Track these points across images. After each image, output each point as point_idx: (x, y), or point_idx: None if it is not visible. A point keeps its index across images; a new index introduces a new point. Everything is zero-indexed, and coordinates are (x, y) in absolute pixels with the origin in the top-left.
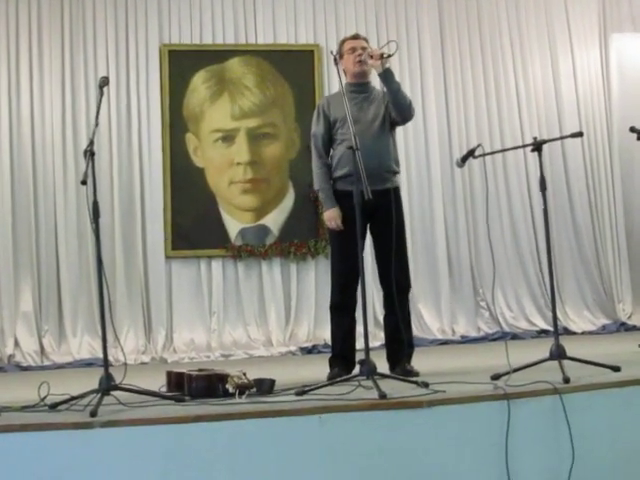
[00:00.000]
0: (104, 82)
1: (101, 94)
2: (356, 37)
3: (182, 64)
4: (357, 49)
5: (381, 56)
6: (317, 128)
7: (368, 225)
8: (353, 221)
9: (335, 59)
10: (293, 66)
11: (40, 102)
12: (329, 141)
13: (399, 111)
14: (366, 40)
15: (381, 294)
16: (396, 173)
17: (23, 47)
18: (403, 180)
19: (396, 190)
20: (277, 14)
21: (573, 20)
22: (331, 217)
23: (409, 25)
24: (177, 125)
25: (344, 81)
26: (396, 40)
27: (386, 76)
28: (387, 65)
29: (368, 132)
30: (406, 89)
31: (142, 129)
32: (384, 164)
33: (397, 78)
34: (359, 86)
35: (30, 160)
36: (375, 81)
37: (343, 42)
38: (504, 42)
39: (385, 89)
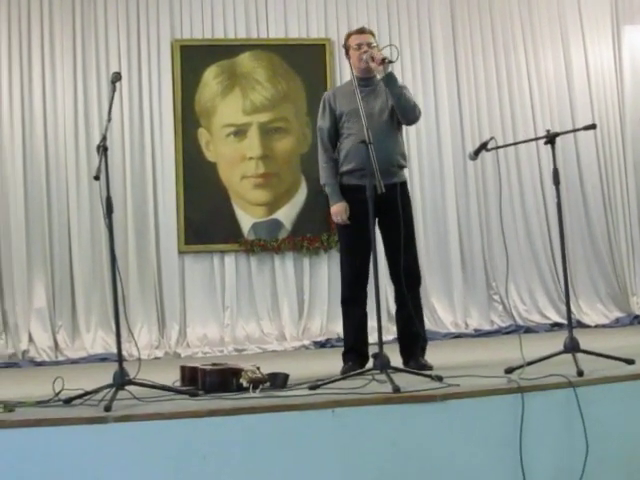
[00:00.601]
0: (116, 78)
1: (113, 90)
2: (362, 31)
3: (193, 59)
4: (363, 45)
5: (382, 61)
6: (323, 122)
7: (376, 220)
8: (361, 215)
9: (347, 51)
10: (304, 60)
11: (52, 98)
12: (335, 135)
13: (403, 114)
14: (372, 34)
15: (392, 288)
16: (403, 167)
17: (35, 43)
18: (415, 173)
19: (403, 184)
20: (288, 8)
21: (585, 12)
22: (337, 212)
23: (421, 18)
24: (189, 120)
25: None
26: (397, 46)
27: (388, 81)
28: (389, 70)
29: (375, 126)
30: (417, 82)
31: (154, 124)
32: (391, 158)
33: (409, 72)
34: (365, 80)
35: (43, 156)
36: None
37: (349, 36)
38: (516, 35)
39: (388, 92)
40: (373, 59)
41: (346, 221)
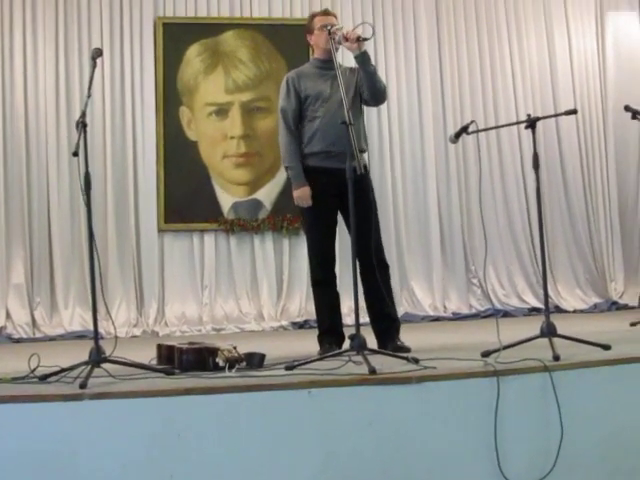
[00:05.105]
0: (97, 53)
1: (94, 66)
2: (327, 13)
3: (176, 37)
4: (328, 26)
5: (357, 39)
6: (287, 103)
7: (340, 204)
8: (325, 197)
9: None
10: (288, 40)
11: (34, 73)
12: (299, 117)
13: (373, 94)
14: (335, 16)
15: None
16: (364, 151)
17: (17, 17)
18: (397, 156)
19: (365, 167)
20: None
21: None
22: (301, 196)
23: (405, 0)
24: (171, 98)
25: (314, 55)
26: (372, 23)
27: (363, 59)
28: (364, 48)
29: (340, 110)
30: (401, 66)
31: (135, 102)
32: (357, 142)
33: (392, 55)
34: (328, 62)
35: (23, 131)
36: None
37: (313, 17)
38: (500, 18)
39: (360, 71)
40: (347, 39)
41: (309, 204)
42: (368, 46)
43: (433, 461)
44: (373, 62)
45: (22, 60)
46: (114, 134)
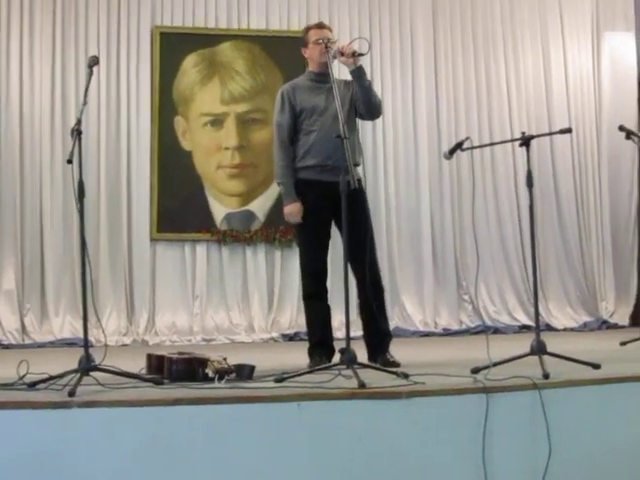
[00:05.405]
0: (94, 61)
1: (90, 73)
2: (321, 26)
3: (173, 46)
4: (322, 40)
5: (353, 54)
6: (282, 118)
7: (333, 217)
8: (318, 210)
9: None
10: (284, 52)
11: (30, 80)
12: (294, 131)
13: (368, 108)
14: (330, 30)
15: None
16: (358, 165)
17: (14, 23)
18: (390, 170)
19: (359, 182)
20: (270, 0)
21: (567, 17)
22: (292, 212)
23: (402, 14)
24: (166, 107)
25: (309, 68)
26: (368, 39)
27: (359, 74)
28: (359, 63)
29: (335, 124)
30: (397, 80)
31: (131, 110)
32: (352, 155)
33: (388, 70)
34: (323, 76)
35: (18, 137)
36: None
37: (308, 30)
38: (497, 36)
39: (356, 85)
40: (342, 54)
41: (299, 221)
42: (364, 60)
43: (421, 476)
44: (369, 76)
45: (18, 66)
46: (108, 142)
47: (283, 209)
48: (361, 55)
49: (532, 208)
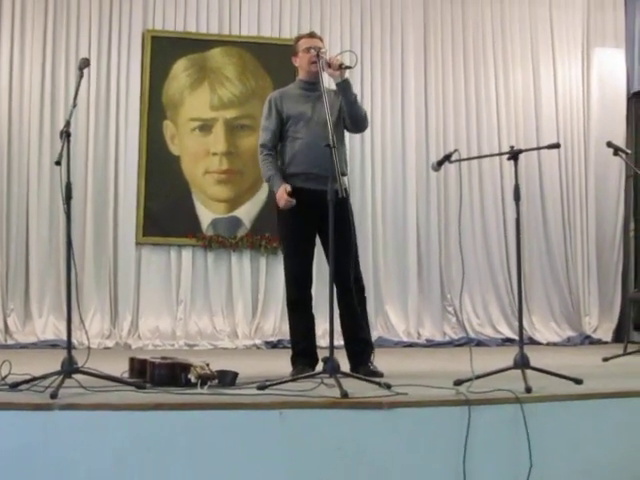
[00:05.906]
0: (84, 64)
1: (81, 76)
2: (312, 35)
3: (164, 50)
4: (312, 49)
5: (340, 66)
6: (269, 123)
7: (318, 226)
8: (303, 217)
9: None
10: (275, 60)
11: (19, 81)
12: (279, 137)
13: (354, 121)
14: (321, 39)
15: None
16: (345, 175)
17: (5, 24)
18: (378, 181)
19: (345, 191)
20: (262, 7)
21: (557, 32)
22: (280, 195)
23: (393, 26)
24: (155, 111)
25: (298, 77)
26: (355, 52)
27: (344, 87)
28: (346, 76)
29: (323, 132)
30: (386, 90)
31: (120, 113)
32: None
33: (378, 81)
34: (312, 84)
35: (6, 138)
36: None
37: (298, 40)
38: (487, 50)
39: (342, 98)
40: (330, 65)
41: (290, 200)
42: (354, 70)
43: None
44: (359, 87)
45: (8, 67)
46: (97, 144)
47: (276, 203)
48: (348, 68)
49: (518, 222)
